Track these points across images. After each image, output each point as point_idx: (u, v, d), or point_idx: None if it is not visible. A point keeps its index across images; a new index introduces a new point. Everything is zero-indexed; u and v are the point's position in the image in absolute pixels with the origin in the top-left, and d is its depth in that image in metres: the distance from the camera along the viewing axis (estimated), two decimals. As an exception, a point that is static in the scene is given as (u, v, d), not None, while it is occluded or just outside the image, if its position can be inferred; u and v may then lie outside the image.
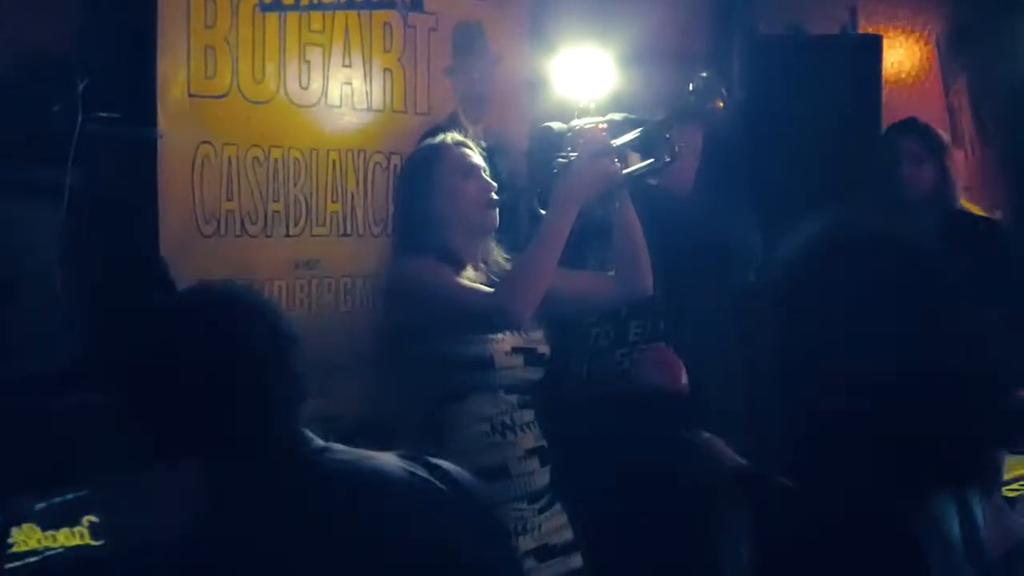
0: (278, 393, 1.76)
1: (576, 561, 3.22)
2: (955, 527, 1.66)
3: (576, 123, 3.52)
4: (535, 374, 3.17)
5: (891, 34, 5.30)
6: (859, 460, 1.58)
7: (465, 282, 3.07)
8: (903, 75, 5.55)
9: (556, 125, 3.98)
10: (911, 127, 4.42)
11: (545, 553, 3.12)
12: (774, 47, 5.11)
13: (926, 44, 5.87)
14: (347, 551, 1.68)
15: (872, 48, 5.01)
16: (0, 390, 2.82)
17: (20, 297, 2.99)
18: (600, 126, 3.33)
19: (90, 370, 3.01)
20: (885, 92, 4.95)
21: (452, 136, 3.22)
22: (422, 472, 1.81)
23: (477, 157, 3.16)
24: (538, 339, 3.18)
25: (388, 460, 1.81)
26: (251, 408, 1.74)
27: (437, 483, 1.81)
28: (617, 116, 3.92)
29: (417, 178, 3.17)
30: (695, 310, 3.76)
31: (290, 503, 1.71)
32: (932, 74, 5.91)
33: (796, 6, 5.30)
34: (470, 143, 3.22)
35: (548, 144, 3.87)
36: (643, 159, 3.47)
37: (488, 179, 3.16)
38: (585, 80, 4.40)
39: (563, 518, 3.21)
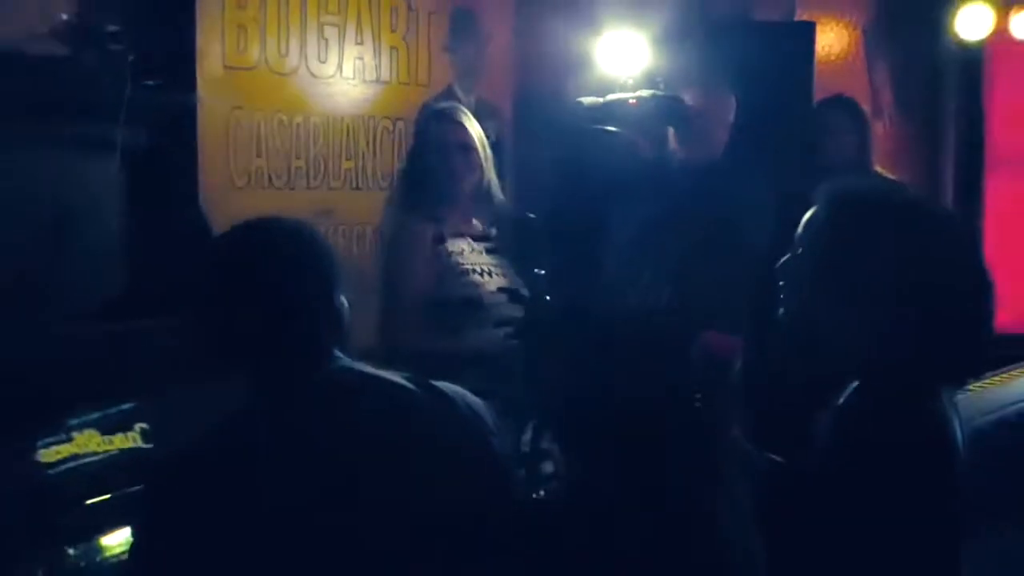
0: (319, 318, 1.72)
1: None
2: (957, 428, 1.74)
3: (611, 97, 3.45)
4: (518, 311, 3.09)
5: (824, 21, 5.30)
6: (895, 364, 1.66)
7: (411, 275, 3.07)
8: (833, 57, 5.55)
9: (588, 100, 3.92)
10: (838, 103, 4.41)
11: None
12: (720, 33, 5.11)
13: (854, 30, 5.86)
14: (366, 451, 1.66)
15: (807, 33, 4.95)
16: (67, 317, 2.83)
17: (79, 238, 3.00)
18: (631, 101, 3.28)
19: (141, 299, 3.05)
20: (817, 72, 4.99)
21: (451, 108, 3.26)
22: (426, 390, 1.78)
23: (466, 131, 3.17)
24: (520, 283, 3.13)
25: (400, 378, 1.78)
26: (293, 333, 1.70)
27: (437, 399, 1.79)
28: (645, 93, 3.87)
29: (427, 141, 3.20)
30: (709, 277, 3.43)
31: (322, 406, 1.69)
32: (858, 57, 5.90)
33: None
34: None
35: (582, 118, 3.80)
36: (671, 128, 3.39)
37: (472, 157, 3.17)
38: (620, 59, 4.25)
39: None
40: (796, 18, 5.36)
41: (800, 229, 1.77)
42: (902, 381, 1.67)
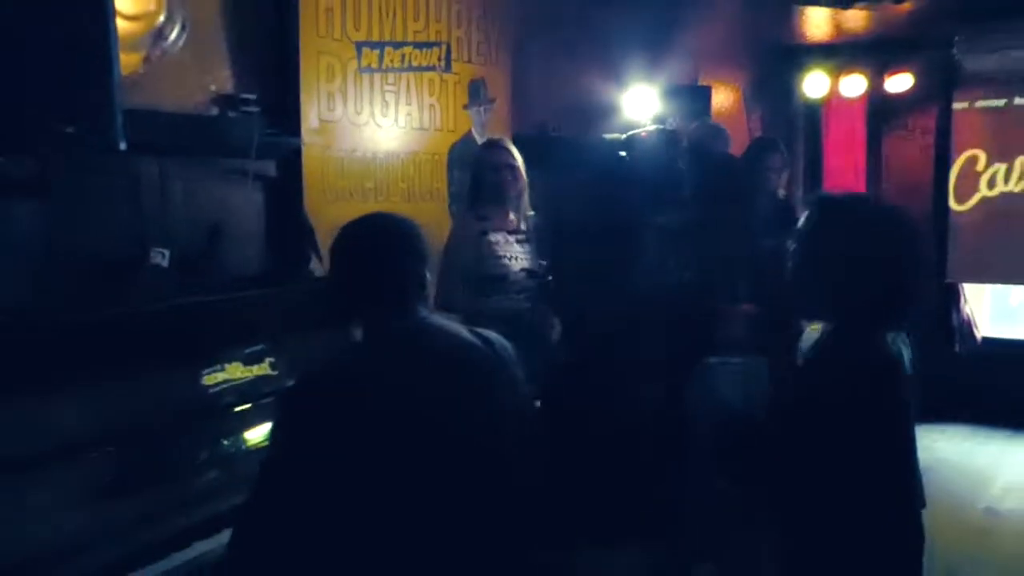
0: (411, 283, 1.68)
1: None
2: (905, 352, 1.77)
3: (629, 132, 3.30)
4: (532, 284, 3.13)
5: (717, 85, 5.31)
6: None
7: (459, 256, 2.98)
8: (724, 110, 5.56)
9: (610, 135, 3.86)
10: (774, 145, 3.83)
11: None
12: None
13: (737, 91, 5.86)
14: (441, 377, 1.63)
15: (706, 93, 5.01)
16: (221, 287, 2.84)
17: (227, 234, 3.03)
18: (643, 134, 3.20)
19: (267, 274, 3.09)
20: (713, 118, 4.99)
21: (502, 140, 3.19)
22: (478, 338, 1.76)
23: (508, 157, 3.11)
24: (538, 265, 3.14)
25: (458, 326, 1.78)
26: (392, 291, 1.67)
27: (481, 339, 1.76)
28: (651, 127, 3.77)
29: (478, 164, 3.16)
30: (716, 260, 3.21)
31: (408, 345, 1.66)
32: (740, 109, 5.90)
33: (664, 67, 5.32)
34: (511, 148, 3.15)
35: (606, 148, 3.65)
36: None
37: (516, 174, 3.08)
38: (639, 106, 4.28)
39: None
40: (699, 83, 5.39)
41: (800, 223, 1.76)
42: (866, 322, 1.66)
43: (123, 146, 2.21)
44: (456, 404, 1.63)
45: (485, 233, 3.08)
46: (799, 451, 1.57)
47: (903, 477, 1.65)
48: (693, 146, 3.46)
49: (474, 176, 3.17)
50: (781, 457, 1.59)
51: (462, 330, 1.76)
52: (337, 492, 1.53)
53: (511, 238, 3.13)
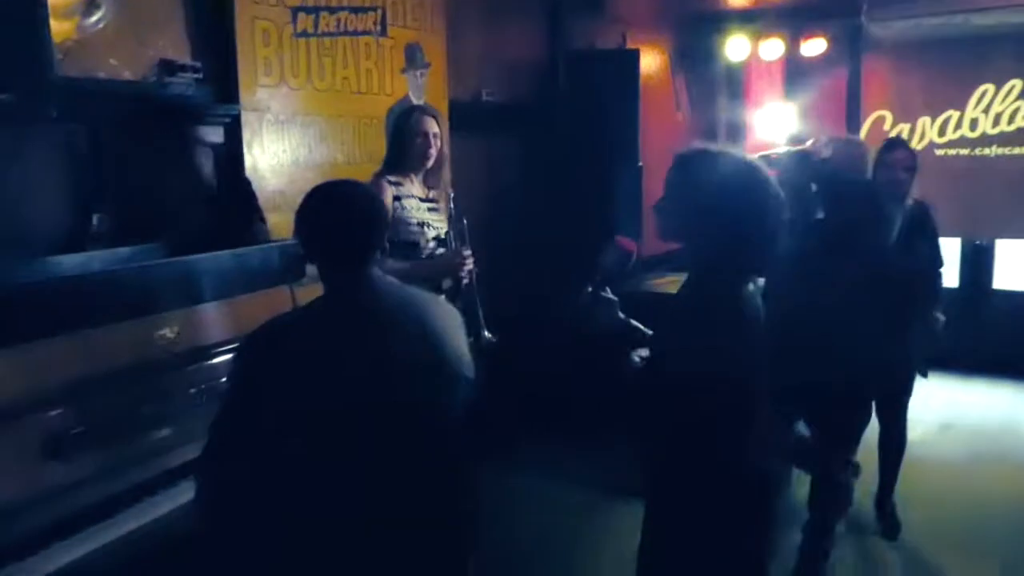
0: (369, 243, 1.71)
1: None
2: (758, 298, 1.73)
3: (762, 154, 3.03)
4: (442, 249, 3.11)
5: (645, 49, 5.33)
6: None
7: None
8: (651, 73, 5.58)
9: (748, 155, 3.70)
10: (902, 144, 3.40)
11: None
12: (580, 58, 5.11)
13: (663, 55, 5.89)
14: (396, 329, 1.67)
15: (634, 57, 5.03)
16: (165, 250, 2.75)
17: (168, 199, 2.92)
18: (773, 156, 3.02)
19: (210, 238, 2.93)
20: (641, 83, 5.05)
21: (427, 107, 3.14)
22: (423, 293, 1.82)
23: (434, 125, 3.08)
24: (445, 231, 3.13)
25: (411, 286, 1.81)
26: (351, 250, 1.69)
27: (427, 295, 1.81)
28: (781, 149, 3.43)
29: (402, 128, 3.10)
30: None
31: (368, 300, 1.69)
32: (666, 72, 5.92)
33: (591, 31, 5.33)
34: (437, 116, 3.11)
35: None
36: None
37: (432, 140, 3.06)
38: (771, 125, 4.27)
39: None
40: (627, 47, 5.40)
41: (667, 174, 1.76)
42: (717, 270, 1.67)
43: (55, 114, 2.15)
44: (411, 357, 1.64)
45: (399, 199, 3.01)
46: (661, 401, 1.59)
47: (747, 424, 1.66)
48: (829, 173, 3.06)
49: (395, 141, 3.10)
50: (648, 407, 1.62)
51: (413, 288, 1.80)
52: (291, 438, 1.54)
53: (423, 205, 3.08)
